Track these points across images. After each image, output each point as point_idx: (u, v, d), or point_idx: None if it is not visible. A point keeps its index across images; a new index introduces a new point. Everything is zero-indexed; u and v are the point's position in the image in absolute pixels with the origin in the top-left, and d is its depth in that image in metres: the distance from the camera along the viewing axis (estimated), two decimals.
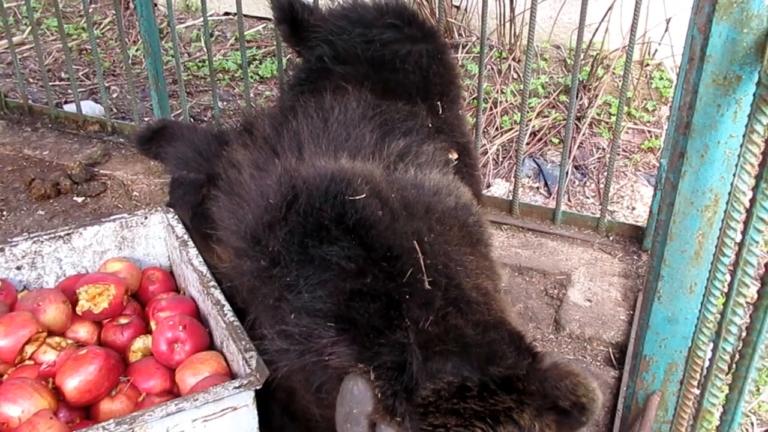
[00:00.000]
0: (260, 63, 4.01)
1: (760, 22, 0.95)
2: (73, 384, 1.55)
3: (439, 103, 1.94)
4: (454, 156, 1.89)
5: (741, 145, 0.95)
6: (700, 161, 1.07)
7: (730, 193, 0.99)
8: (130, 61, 3.20)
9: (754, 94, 0.96)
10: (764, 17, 0.94)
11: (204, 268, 1.82)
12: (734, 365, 0.96)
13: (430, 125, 1.85)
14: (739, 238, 0.95)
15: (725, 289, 1.02)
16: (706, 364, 1.11)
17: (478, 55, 3.57)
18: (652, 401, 1.31)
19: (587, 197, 3.19)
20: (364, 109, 1.72)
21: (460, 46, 3.57)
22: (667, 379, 1.29)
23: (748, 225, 0.89)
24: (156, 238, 2.06)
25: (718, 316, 1.04)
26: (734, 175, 0.96)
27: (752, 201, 0.89)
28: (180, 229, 1.97)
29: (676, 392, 1.30)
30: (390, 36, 1.95)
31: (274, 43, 4.16)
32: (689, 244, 1.15)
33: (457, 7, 3.70)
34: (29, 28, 4.27)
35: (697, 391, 1.14)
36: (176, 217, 2.01)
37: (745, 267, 0.90)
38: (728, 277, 1.01)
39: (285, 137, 1.66)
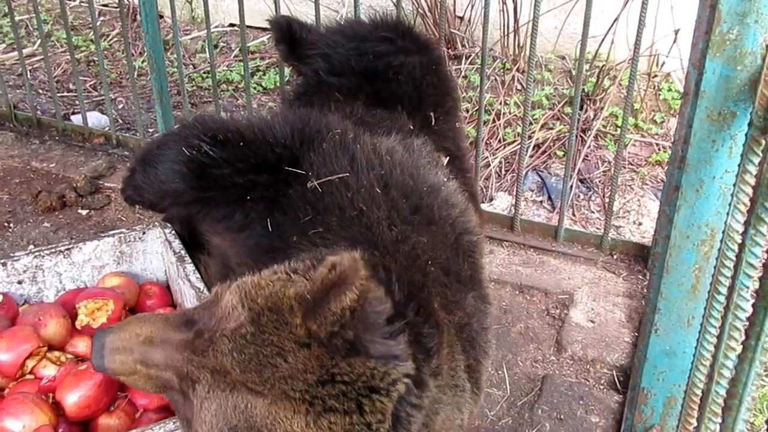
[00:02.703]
0: (264, 74, 4.02)
1: (753, 59, 0.92)
2: (72, 399, 1.55)
3: (432, 114, 1.94)
4: (442, 159, 1.88)
5: (734, 184, 0.92)
6: (695, 196, 1.04)
7: (723, 231, 0.96)
8: (135, 74, 3.22)
9: (745, 134, 0.93)
10: (758, 55, 0.91)
11: (201, 285, 1.81)
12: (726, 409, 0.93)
13: (411, 127, 1.85)
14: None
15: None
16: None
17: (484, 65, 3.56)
18: None
19: (592, 211, 3.15)
20: (340, 114, 1.73)
21: (464, 57, 3.56)
22: (666, 413, 1.26)
23: (738, 270, 0.86)
24: (153, 253, 2.07)
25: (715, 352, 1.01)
26: (728, 213, 0.93)
27: (741, 246, 0.86)
28: (177, 244, 1.97)
29: (675, 427, 1.26)
30: (383, 48, 1.97)
31: (277, 54, 4.18)
32: (686, 277, 1.12)
33: (461, 18, 3.69)
34: (40, 40, 4.32)
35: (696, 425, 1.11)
36: (173, 232, 2.02)
37: (735, 311, 0.87)
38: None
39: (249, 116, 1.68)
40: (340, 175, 1.45)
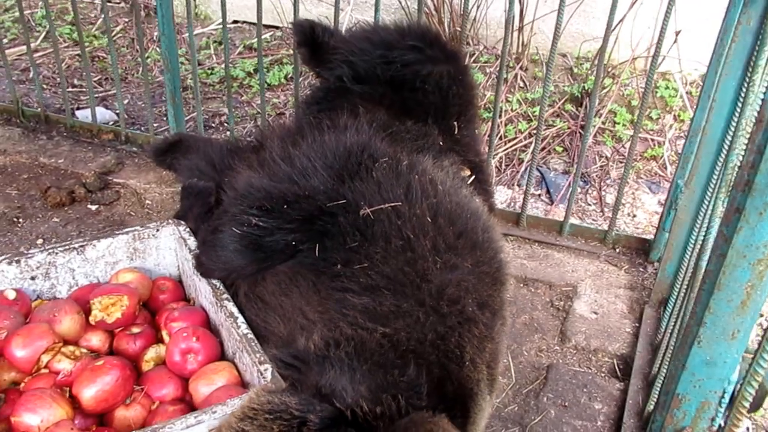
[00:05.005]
0: (267, 71, 3.99)
1: None
2: (90, 393, 1.55)
3: (455, 123, 1.93)
4: (466, 173, 1.88)
5: None
6: (758, 218, 1.07)
7: None
8: (144, 70, 3.19)
9: None
10: None
11: (217, 281, 1.81)
12: None
13: (441, 143, 1.85)
14: None
15: None
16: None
17: (486, 64, 3.56)
18: None
19: (589, 204, 3.17)
20: (375, 130, 1.72)
21: (468, 54, 3.55)
22: (698, 417, 1.29)
23: None
24: (166, 249, 2.06)
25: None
26: None
27: None
28: (192, 241, 1.96)
29: (705, 429, 1.30)
30: (411, 57, 1.94)
31: (282, 51, 4.15)
32: (737, 294, 1.15)
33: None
34: (42, 35, 4.28)
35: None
36: (188, 229, 2.01)
37: None
38: None
39: (285, 162, 1.69)
40: (394, 204, 1.46)
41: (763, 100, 1.01)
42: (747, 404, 1.17)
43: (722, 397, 1.31)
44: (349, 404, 1.20)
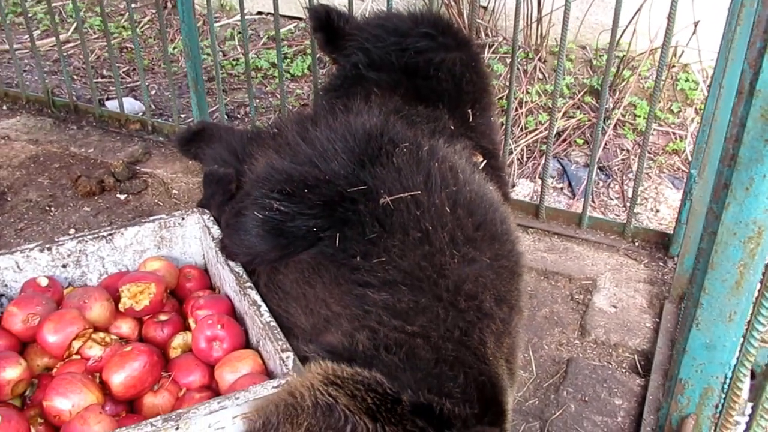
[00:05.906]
0: (291, 61, 3.96)
1: None
2: (119, 379, 1.56)
3: (470, 110, 1.89)
4: (478, 159, 1.85)
5: None
6: (744, 194, 1.01)
7: None
8: (169, 61, 3.18)
9: None
10: None
11: (240, 269, 1.80)
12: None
13: (452, 127, 1.82)
14: None
15: None
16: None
17: (505, 55, 3.48)
18: (687, 424, 1.26)
19: (611, 198, 3.10)
20: (386, 114, 1.69)
21: (487, 46, 3.48)
22: (702, 403, 1.24)
23: None
24: (192, 238, 2.06)
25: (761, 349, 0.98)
26: None
27: None
28: (216, 230, 1.95)
29: (711, 416, 1.25)
30: (424, 45, 1.91)
31: (305, 41, 4.12)
32: (730, 273, 1.09)
33: (485, 8, 3.60)
34: (73, 26, 4.30)
35: (738, 418, 1.10)
36: (212, 218, 2.01)
37: None
38: None
39: (305, 144, 1.65)
40: (413, 193, 1.42)
41: (743, 70, 0.95)
42: (742, 386, 1.12)
43: (724, 382, 1.27)
44: (430, 399, 1.19)
